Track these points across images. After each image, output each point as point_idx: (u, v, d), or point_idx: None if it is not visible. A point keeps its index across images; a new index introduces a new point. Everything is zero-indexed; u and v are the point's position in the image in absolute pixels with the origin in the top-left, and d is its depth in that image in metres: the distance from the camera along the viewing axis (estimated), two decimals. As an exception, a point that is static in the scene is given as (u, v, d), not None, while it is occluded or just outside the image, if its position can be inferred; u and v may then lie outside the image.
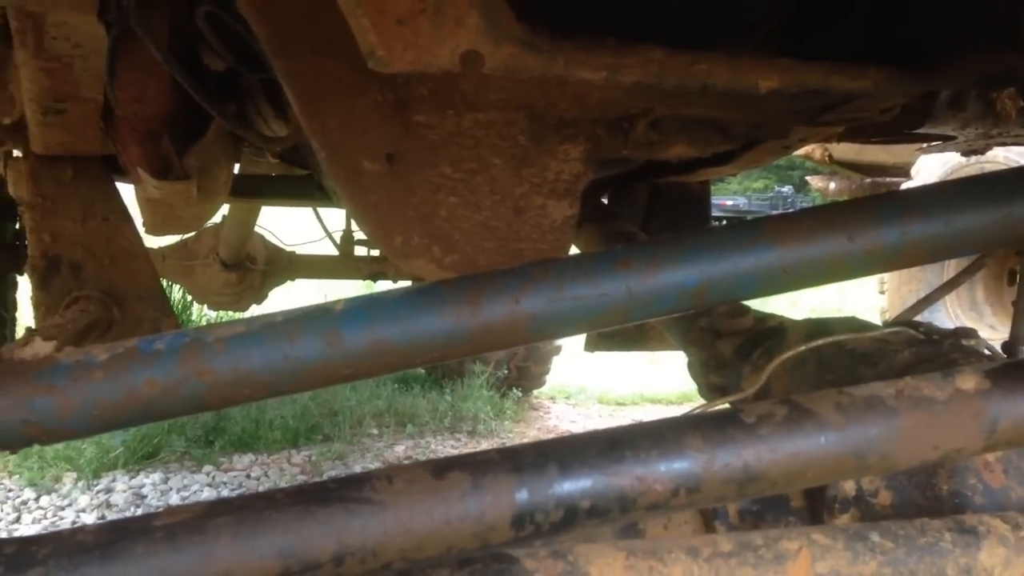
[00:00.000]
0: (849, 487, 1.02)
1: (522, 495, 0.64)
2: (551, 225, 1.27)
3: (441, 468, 0.66)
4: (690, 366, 1.64)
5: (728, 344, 1.52)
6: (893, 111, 1.45)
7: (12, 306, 4.60)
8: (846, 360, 1.20)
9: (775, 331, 1.44)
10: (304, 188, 3.12)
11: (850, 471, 0.75)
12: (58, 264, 2.01)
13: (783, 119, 1.28)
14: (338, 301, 0.91)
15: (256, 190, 3.10)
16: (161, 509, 0.61)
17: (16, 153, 3.64)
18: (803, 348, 1.18)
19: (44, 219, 2.01)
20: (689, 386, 6.08)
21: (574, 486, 0.64)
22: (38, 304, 2.04)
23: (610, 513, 0.65)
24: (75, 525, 3.19)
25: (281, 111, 1.92)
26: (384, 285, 5.07)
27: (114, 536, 0.58)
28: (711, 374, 1.56)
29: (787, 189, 27.41)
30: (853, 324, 1.30)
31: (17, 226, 4.38)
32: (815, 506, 1.05)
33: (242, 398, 0.88)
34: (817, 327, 1.35)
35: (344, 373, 0.90)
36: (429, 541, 0.63)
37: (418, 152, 1.19)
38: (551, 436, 5.03)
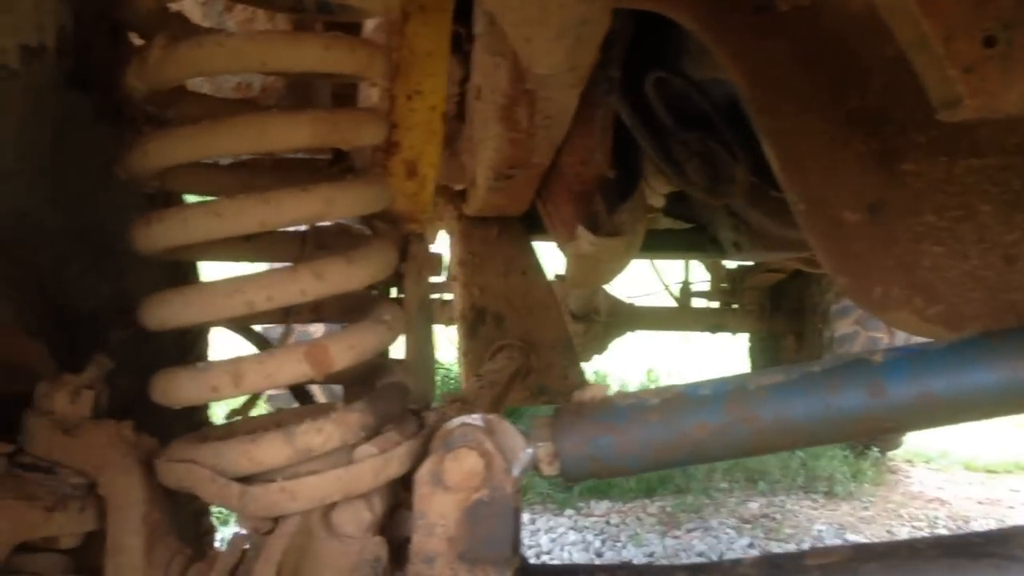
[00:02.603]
0: None
1: None
2: (1046, 275, 1.18)
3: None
4: None
5: None
6: None
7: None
8: None
9: None
10: (681, 240, 3.19)
11: None
12: (484, 315, 2.22)
13: None
14: (875, 352, 0.91)
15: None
16: (808, 549, 0.64)
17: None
18: None
19: (473, 275, 2.23)
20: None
21: None
22: (466, 352, 2.26)
23: None
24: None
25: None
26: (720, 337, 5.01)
27: (771, 571, 0.61)
28: None
29: None
30: None
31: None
32: None
33: (782, 445, 0.90)
34: None
35: (885, 425, 0.89)
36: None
37: (902, 201, 1.16)
38: (917, 503, 4.63)
